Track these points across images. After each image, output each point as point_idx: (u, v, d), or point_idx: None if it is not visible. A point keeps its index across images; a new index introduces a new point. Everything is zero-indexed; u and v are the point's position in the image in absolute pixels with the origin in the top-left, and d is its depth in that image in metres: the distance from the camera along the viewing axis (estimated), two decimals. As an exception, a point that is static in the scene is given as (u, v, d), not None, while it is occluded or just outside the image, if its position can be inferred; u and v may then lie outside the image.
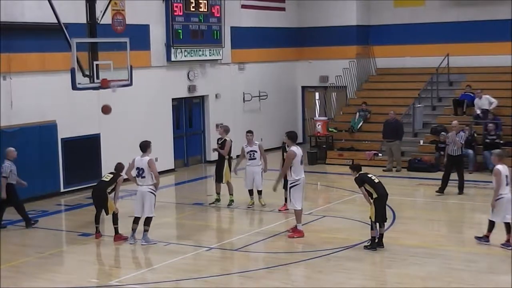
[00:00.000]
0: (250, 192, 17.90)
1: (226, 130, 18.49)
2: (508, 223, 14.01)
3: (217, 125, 25.45)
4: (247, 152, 17.76)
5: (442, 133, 22.58)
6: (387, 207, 14.32)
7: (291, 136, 15.29)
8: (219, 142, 18.26)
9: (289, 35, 28.55)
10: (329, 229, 15.93)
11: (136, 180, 14.75)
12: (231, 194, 18.16)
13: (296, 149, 14.92)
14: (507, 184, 13.92)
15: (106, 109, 17.15)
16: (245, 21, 26.50)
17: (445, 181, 19.02)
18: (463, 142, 19.31)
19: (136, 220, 14.91)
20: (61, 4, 18.57)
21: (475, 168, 21.85)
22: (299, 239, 14.89)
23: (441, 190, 18.96)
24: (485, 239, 14.31)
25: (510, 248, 13.86)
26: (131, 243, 14.83)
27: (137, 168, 14.68)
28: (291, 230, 15.29)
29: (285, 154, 17.15)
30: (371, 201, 13.93)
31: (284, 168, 15.17)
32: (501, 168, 13.98)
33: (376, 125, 25.33)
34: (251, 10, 26.77)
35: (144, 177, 14.61)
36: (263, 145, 18.44)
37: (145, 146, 14.80)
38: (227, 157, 18.11)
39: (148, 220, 14.81)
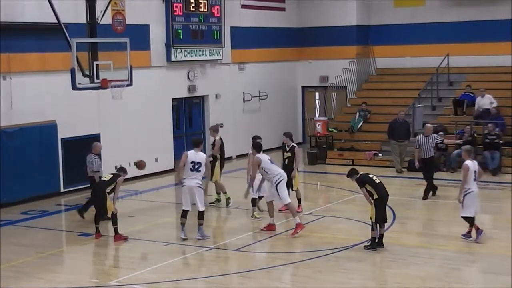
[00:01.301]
0: (253, 202, 16.99)
1: (215, 129, 18.67)
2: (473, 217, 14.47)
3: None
4: None
5: (440, 133, 22.56)
6: (387, 207, 14.33)
7: (256, 146, 15.83)
8: (212, 143, 18.32)
9: (289, 35, 28.56)
10: (329, 229, 15.94)
11: (188, 173, 14.84)
12: (224, 193, 18.17)
13: (261, 155, 15.53)
14: (475, 179, 14.38)
15: (141, 165, 16.87)
16: (245, 21, 26.50)
17: (430, 184, 18.79)
18: (434, 145, 18.94)
19: (184, 214, 15.02)
20: (61, 4, 18.58)
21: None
22: (296, 238, 14.89)
23: (433, 193, 18.77)
24: (479, 232, 14.43)
25: (471, 239, 14.35)
26: (182, 237, 14.94)
27: (192, 162, 14.84)
28: (265, 228, 15.59)
29: (285, 154, 17.25)
30: (372, 201, 13.94)
31: (252, 175, 15.73)
32: (470, 163, 14.42)
33: (376, 125, 25.34)
34: (251, 10, 26.77)
35: (199, 171, 14.86)
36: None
37: (199, 142, 15.37)
38: (218, 156, 18.15)
39: (201, 214, 14.97)
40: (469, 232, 14.53)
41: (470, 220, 14.44)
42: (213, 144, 18.33)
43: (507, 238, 14.58)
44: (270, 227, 15.60)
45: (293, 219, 15.24)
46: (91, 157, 16.94)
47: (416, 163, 19.14)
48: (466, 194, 14.36)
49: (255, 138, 17.45)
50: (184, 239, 14.95)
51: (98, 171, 16.72)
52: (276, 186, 15.25)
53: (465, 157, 14.79)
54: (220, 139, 18.39)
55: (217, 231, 16.55)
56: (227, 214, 17.88)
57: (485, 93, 23.80)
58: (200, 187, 14.96)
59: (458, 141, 21.06)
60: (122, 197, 17.44)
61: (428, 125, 19.52)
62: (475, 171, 14.42)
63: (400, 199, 18.24)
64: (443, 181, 20.04)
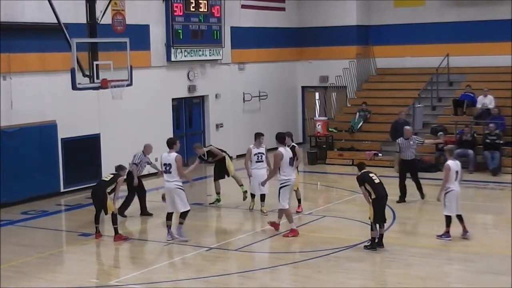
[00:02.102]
0: (253, 196, 17.63)
1: (199, 147, 18.61)
2: (460, 215, 14.62)
3: (217, 125, 25.51)
4: (255, 154, 17.30)
5: (440, 133, 22.58)
6: (387, 207, 14.32)
7: (278, 137, 15.41)
8: (207, 157, 18.12)
9: (289, 35, 28.56)
10: (329, 229, 15.93)
11: (164, 176, 14.85)
12: (241, 185, 18.13)
13: (284, 150, 15.07)
14: (456, 179, 14.50)
15: None
16: (245, 21, 26.50)
17: (403, 189, 18.29)
18: (415, 147, 18.39)
19: (169, 217, 14.98)
20: (61, 4, 18.58)
21: (475, 168, 21.84)
22: (296, 238, 14.90)
23: (402, 199, 18.23)
24: (446, 235, 14.54)
25: (468, 233, 14.52)
26: (168, 240, 14.88)
27: (164, 164, 14.76)
28: (269, 223, 15.54)
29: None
30: (370, 201, 13.93)
31: (273, 169, 15.30)
32: (451, 163, 14.57)
33: (376, 125, 25.34)
34: (251, 10, 26.78)
35: (170, 172, 14.68)
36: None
37: (171, 143, 14.99)
38: (224, 155, 18.20)
39: (184, 214, 14.88)
40: (464, 229, 14.62)
41: (449, 219, 14.54)
42: (210, 157, 18.16)
43: (507, 238, 14.58)
44: (274, 225, 15.49)
45: (289, 224, 15.18)
46: (137, 152, 17.19)
47: (396, 167, 18.95)
48: (446, 193, 14.52)
49: (258, 135, 17.55)
50: (169, 240, 14.86)
51: (137, 164, 16.94)
52: (280, 189, 15.03)
53: (447, 157, 14.93)
54: (212, 145, 18.66)
55: (217, 231, 16.54)
56: (227, 214, 17.87)
57: (488, 93, 23.78)
58: (179, 188, 14.73)
59: (438, 141, 20.94)
60: (122, 197, 17.41)
61: (407, 127, 19.08)
62: (456, 171, 14.55)
63: (400, 199, 18.23)
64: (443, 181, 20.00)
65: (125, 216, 17.03)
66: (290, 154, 15.18)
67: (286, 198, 15.12)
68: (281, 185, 15.04)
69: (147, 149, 17.32)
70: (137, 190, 17.21)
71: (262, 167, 17.41)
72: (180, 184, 14.77)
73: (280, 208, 15.24)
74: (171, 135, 23.54)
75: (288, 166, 15.04)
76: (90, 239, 15.39)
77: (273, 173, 15.39)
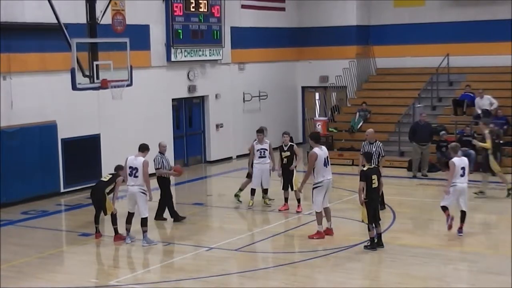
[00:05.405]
0: (253, 192, 17.73)
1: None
2: (464, 211, 14.75)
3: (217, 125, 25.48)
4: (257, 150, 17.60)
5: (443, 132, 22.53)
6: (387, 207, 14.32)
7: (313, 137, 15.06)
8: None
9: (289, 35, 28.55)
10: (329, 229, 15.92)
11: (128, 179, 14.63)
12: (241, 190, 18.21)
13: (319, 150, 14.52)
14: (462, 175, 14.66)
15: (178, 170, 16.71)
16: (245, 21, 26.50)
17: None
18: (377, 155, 16.72)
19: (129, 220, 14.83)
20: (61, 4, 18.55)
21: (475, 168, 21.79)
22: (299, 238, 14.89)
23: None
24: (447, 218, 14.80)
25: (461, 234, 14.58)
26: (127, 242, 14.81)
27: (130, 167, 14.56)
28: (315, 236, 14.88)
29: (282, 153, 17.27)
30: (363, 200, 13.81)
31: (307, 171, 14.68)
32: (456, 160, 14.75)
33: (376, 125, 25.27)
34: (251, 10, 26.77)
35: (137, 177, 14.50)
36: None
37: (143, 148, 14.77)
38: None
39: (144, 222, 14.73)
40: (460, 228, 14.72)
41: (444, 208, 14.76)
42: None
43: (507, 238, 14.58)
44: (326, 232, 14.83)
45: (317, 226, 14.77)
46: (156, 155, 16.72)
47: (360, 167, 18.27)
48: (451, 186, 14.71)
49: (258, 131, 17.76)
50: (128, 243, 14.74)
51: (159, 168, 16.49)
52: (312, 190, 14.58)
53: (452, 154, 14.94)
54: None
55: (217, 231, 16.54)
56: (227, 214, 17.86)
57: (483, 93, 23.78)
58: (143, 192, 14.53)
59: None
60: (121, 197, 17.40)
61: (369, 130, 17.61)
62: (462, 167, 14.68)
63: (400, 199, 18.24)
64: (444, 181, 20.01)
65: (165, 219, 16.71)
66: (326, 154, 14.64)
67: (319, 200, 14.53)
68: (314, 186, 14.55)
69: (160, 148, 16.89)
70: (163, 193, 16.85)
71: (265, 163, 17.59)
72: (144, 188, 14.55)
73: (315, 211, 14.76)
74: (171, 135, 23.63)
75: (323, 167, 14.41)
76: (90, 239, 15.39)
77: (307, 174, 14.65)
